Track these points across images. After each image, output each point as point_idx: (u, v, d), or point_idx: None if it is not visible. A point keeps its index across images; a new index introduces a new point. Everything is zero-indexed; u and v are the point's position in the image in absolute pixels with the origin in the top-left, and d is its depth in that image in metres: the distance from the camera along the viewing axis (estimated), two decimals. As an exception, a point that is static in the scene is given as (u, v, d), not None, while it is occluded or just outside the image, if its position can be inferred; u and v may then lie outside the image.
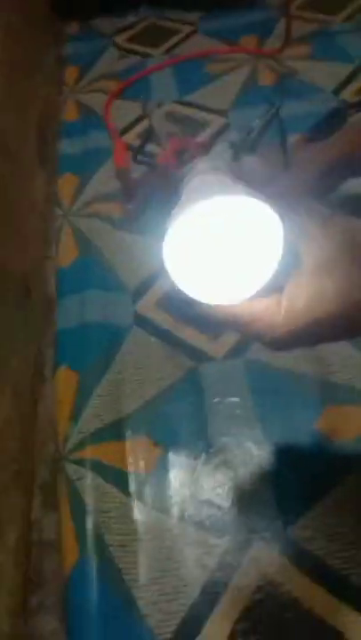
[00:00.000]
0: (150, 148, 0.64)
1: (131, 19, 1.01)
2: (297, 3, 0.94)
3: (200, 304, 0.28)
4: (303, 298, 0.26)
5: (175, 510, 0.43)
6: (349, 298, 0.25)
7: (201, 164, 0.31)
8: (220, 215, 0.26)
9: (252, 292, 0.28)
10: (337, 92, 0.74)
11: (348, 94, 0.73)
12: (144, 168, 0.70)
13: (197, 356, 0.51)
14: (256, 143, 0.36)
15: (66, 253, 0.64)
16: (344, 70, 0.77)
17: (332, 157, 0.51)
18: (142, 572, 0.40)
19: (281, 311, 0.26)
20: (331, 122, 0.66)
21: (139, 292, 0.58)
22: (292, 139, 0.67)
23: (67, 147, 0.78)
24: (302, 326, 0.26)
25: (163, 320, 0.55)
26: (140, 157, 0.41)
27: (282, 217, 0.26)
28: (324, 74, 0.77)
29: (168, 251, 0.26)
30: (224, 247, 0.27)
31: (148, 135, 0.46)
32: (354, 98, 0.72)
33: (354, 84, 0.75)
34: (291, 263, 0.27)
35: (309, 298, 0.25)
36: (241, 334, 0.30)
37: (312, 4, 0.93)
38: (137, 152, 0.45)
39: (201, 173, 0.30)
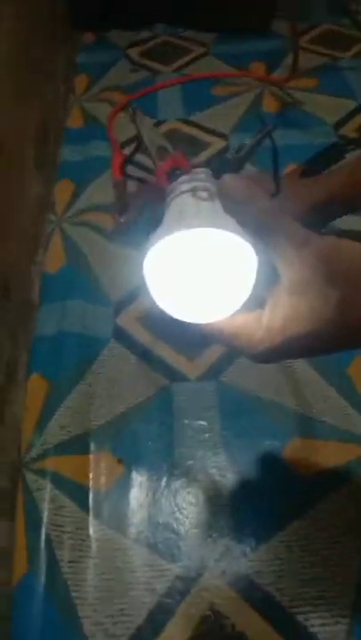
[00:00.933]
0: (142, 159, 0.64)
1: (145, 34, 1.02)
2: (308, 36, 0.95)
3: (181, 321, 0.30)
4: (281, 316, 0.27)
5: (131, 530, 0.43)
6: (323, 316, 0.26)
7: (183, 183, 0.31)
8: (198, 242, 0.27)
9: (229, 312, 0.29)
10: (338, 126, 0.75)
11: (348, 130, 0.74)
12: (140, 181, 0.71)
13: (172, 375, 0.51)
14: (243, 162, 0.36)
15: (53, 259, 0.64)
16: (347, 106, 0.78)
17: (320, 198, 0.52)
18: (90, 590, 0.40)
19: (261, 327, 0.28)
20: (328, 155, 0.67)
21: (121, 306, 0.58)
22: (288, 168, 0.68)
23: (67, 153, 0.78)
24: (280, 343, 0.27)
25: (142, 336, 0.55)
26: (129, 170, 0.40)
27: (258, 243, 0.27)
28: (327, 107, 0.78)
29: (149, 270, 0.28)
30: (202, 271, 0.28)
31: (137, 146, 0.45)
32: (353, 134, 0.73)
33: (355, 120, 0.76)
34: (272, 278, 0.28)
35: (286, 316, 0.27)
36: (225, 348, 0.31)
37: (322, 39, 0.95)
38: (125, 163, 0.45)
39: (183, 193, 0.30)
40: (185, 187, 0.30)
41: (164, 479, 0.45)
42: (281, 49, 0.94)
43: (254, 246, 0.27)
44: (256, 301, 0.29)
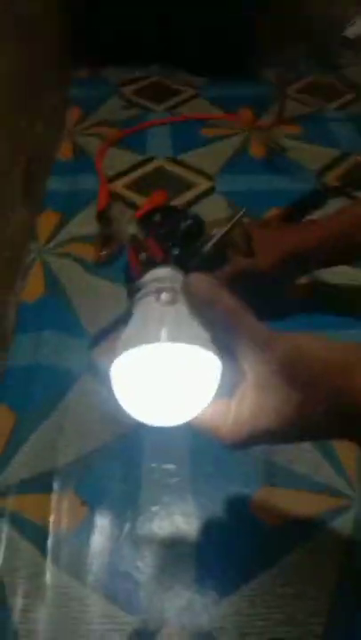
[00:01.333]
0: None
1: (139, 73, 1.05)
2: (296, 85, 0.99)
3: None
4: (247, 411, 0.29)
5: (90, 578, 0.41)
6: (285, 415, 0.28)
7: (149, 283, 0.32)
8: (159, 353, 0.29)
9: (191, 416, 0.31)
10: (320, 174, 0.77)
11: (329, 178, 0.76)
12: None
13: (143, 414, 0.50)
14: (210, 257, 0.37)
15: (32, 289, 0.63)
16: (329, 155, 0.80)
17: (295, 246, 0.53)
18: (42, 643, 0.38)
19: (228, 419, 0.30)
20: (309, 202, 0.68)
21: (97, 339, 0.57)
22: (272, 212, 0.70)
23: (54, 184, 0.79)
24: (246, 436, 0.29)
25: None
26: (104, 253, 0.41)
27: (223, 340, 0.29)
28: (311, 155, 0.81)
29: (115, 376, 0.29)
30: (166, 380, 0.30)
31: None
32: (334, 183, 0.75)
33: (336, 170, 0.78)
34: (238, 373, 0.30)
35: (252, 411, 0.29)
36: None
37: (309, 89, 0.99)
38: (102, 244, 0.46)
39: (148, 295, 0.31)
40: (150, 287, 0.31)
41: (127, 525, 0.43)
42: (269, 95, 0.97)
43: (217, 351, 0.29)
44: (224, 388, 0.30)
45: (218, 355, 0.29)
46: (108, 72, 1.06)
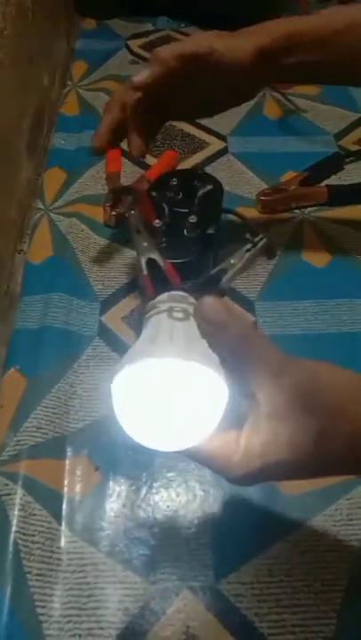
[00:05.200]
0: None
1: (148, 26, 0.99)
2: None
3: None
4: (259, 441, 0.27)
5: (104, 544, 0.40)
6: (301, 447, 0.26)
7: (162, 302, 0.31)
8: (167, 372, 0.27)
9: (196, 442, 0.28)
10: (338, 137, 0.74)
11: (348, 142, 0.74)
12: (135, 176, 0.69)
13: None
14: (226, 284, 0.35)
15: (39, 249, 0.61)
16: (348, 117, 0.77)
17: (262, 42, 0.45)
18: (57, 607, 0.37)
19: (239, 451, 0.27)
20: (326, 166, 0.66)
21: (107, 303, 0.56)
22: (287, 175, 0.67)
23: (60, 140, 0.75)
24: (257, 469, 0.27)
25: (127, 336, 0.52)
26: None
27: (234, 367, 0.27)
28: (329, 117, 0.77)
29: (118, 397, 0.27)
30: (170, 400, 0.28)
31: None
32: (353, 147, 0.72)
33: (356, 133, 0.75)
34: (248, 402, 0.28)
35: (265, 442, 0.27)
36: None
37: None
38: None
39: (160, 313, 0.30)
40: (163, 306, 0.31)
41: (143, 491, 0.42)
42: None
43: (224, 374, 0.27)
44: (234, 418, 0.28)
45: (226, 381, 0.27)
46: (115, 24, 1.01)
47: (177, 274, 0.35)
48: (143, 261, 0.35)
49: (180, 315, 0.29)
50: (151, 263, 0.36)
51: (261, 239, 0.35)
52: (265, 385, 0.27)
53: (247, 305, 0.55)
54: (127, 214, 0.37)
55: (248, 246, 0.35)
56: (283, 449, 0.26)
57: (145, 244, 0.35)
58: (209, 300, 0.28)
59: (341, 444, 0.26)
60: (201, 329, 0.28)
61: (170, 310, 0.30)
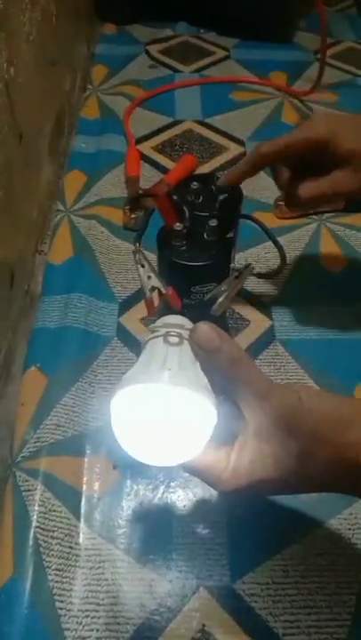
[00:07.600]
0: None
1: (167, 32, 1.01)
2: (330, 51, 0.95)
3: None
4: (247, 459, 0.29)
5: (122, 541, 0.41)
6: (285, 466, 0.28)
7: (159, 327, 0.33)
8: (159, 396, 0.29)
9: (185, 459, 0.31)
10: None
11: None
12: (154, 180, 0.70)
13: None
14: (215, 311, 0.37)
15: (60, 250, 0.62)
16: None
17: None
18: (76, 602, 0.38)
19: (228, 467, 0.30)
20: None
21: (125, 305, 0.56)
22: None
23: (81, 143, 0.77)
24: (245, 485, 0.29)
25: (144, 337, 0.53)
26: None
27: (224, 389, 0.30)
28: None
29: (115, 417, 0.30)
30: (162, 421, 0.30)
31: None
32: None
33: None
34: (239, 421, 0.30)
35: (252, 460, 0.29)
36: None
37: (344, 56, 0.95)
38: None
39: (157, 338, 0.32)
40: (161, 331, 0.33)
41: (160, 490, 0.43)
42: (302, 60, 0.93)
43: (214, 397, 0.29)
44: (227, 436, 0.31)
45: (215, 405, 0.29)
46: (135, 29, 1.02)
47: (179, 299, 0.37)
48: (147, 289, 0.38)
49: (176, 339, 0.32)
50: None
51: (247, 266, 0.37)
52: (252, 406, 0.29)
53: (264, 309, 0.56)
54: (132, 251, 0.39)
55: (235, 274, 0.37)
56: (268, 467, 0.29)
57: (149, 276, 0.37)
58: (203, 327, 0.30)
59: (319, 466, 0.28)
60: (195, 353, 0.31)
61: (166, 335, 0.32)
